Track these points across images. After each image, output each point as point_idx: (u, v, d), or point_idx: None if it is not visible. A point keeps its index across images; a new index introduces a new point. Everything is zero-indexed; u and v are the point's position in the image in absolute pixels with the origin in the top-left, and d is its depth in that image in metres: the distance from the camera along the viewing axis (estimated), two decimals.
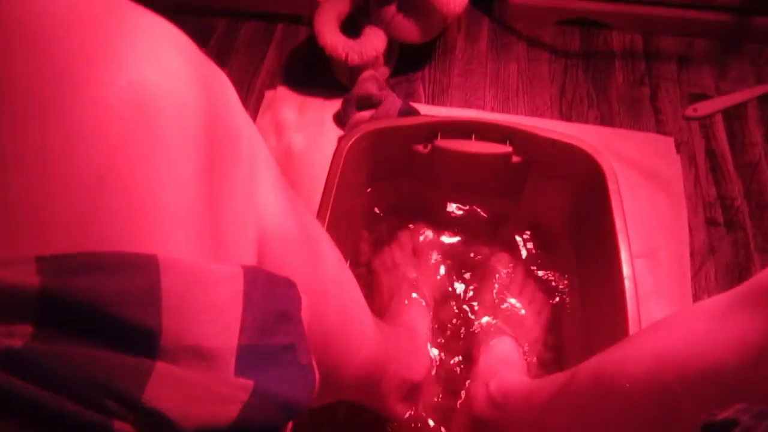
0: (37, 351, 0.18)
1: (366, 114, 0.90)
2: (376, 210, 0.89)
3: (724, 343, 0.35)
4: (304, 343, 0.27)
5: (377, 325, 0.55)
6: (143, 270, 0.20)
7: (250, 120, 0.31)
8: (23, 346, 0.18)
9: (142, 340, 0.20)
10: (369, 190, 0.86)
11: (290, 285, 0.27)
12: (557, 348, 0.80)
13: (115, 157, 0.21)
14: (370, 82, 0.91)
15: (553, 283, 0.85)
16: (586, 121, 1.04)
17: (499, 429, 0.61)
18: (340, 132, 0.97)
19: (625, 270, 0.69)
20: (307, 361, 0.27)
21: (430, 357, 0.74)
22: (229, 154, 0.27)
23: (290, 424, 0.27)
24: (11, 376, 0.18)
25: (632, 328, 0.64)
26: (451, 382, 0.75)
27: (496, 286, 0.81)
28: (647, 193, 0.94)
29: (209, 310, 0.22)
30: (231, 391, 0.21)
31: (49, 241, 0.20)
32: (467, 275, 0.84)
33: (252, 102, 1.05)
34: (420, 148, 0.81)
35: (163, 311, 0.20)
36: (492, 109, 1.05)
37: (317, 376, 0.27)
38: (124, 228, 0.21)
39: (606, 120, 1.04)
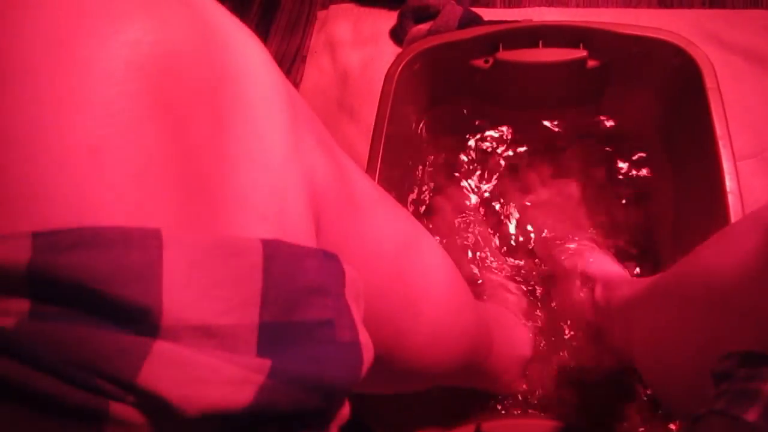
0: (28, 332, 0.17)
1: (423, 27, 0.82)
2: (434, 137, 0.81)
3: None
4: (348, 318, 0.24)
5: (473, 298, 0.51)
6: (143, 244, 0.19)
7: (281, 73, 0.28)
8: (15, 327, 0.17)
9: (140, 319, 0.18)
10: (427, 115, 0.79)
11: (327, 257, 0.24)
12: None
13: (112, 125, 0.19)
14: None
15: (644, 202, 0.76)
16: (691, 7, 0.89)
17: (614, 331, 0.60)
18: (398, 49, 0.90)
19: (729, 184, 0.61)
20: (351, 338, 0.24)
21: (529, 331, 0.68)
22: (256, 112, 0.24)
23: (347, 407, 0.25)
24: (2, 359, 0.17)
25: None
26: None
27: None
28: (755, 81, 0.81)
29: (222, 285, 0.20)
30: (243, 372, 0.20)
31: (45, 217, 0.19)
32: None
33: (310, 20, 0.99)
34: (480, 63, 0.73)
35: (164, 288, 0.19)
36: (577, 5, 0.93)
37: (366, 354, 0.25)
38: (122, 201, 0.19)
39: (718, 4, 0.88)
